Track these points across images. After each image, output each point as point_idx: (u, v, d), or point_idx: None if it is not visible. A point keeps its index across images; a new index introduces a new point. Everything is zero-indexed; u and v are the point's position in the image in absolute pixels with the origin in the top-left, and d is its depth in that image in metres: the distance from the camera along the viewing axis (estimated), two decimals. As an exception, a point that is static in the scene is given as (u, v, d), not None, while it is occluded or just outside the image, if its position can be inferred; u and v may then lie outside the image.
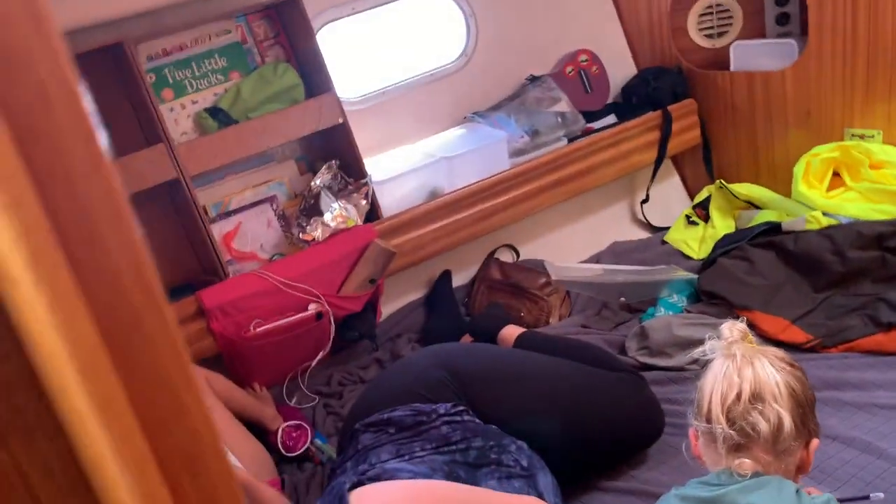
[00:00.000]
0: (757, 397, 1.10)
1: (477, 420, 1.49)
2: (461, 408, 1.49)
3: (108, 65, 1.98)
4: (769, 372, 1.12)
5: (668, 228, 2.69)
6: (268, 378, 2.13)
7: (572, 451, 1.56)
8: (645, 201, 2.75)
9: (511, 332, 2.03)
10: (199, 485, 0.31)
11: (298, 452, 1.92)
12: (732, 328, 1.19)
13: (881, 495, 1.29)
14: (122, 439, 0.28)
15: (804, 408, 1.12)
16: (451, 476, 1.34)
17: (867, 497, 1.30)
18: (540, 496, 1.37)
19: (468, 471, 1.37)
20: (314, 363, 2.14)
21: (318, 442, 1.96)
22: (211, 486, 0.31)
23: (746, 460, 1.10)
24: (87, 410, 0.26)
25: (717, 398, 1.12)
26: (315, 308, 2.05)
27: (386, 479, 1.31)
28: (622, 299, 2.29)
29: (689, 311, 2.12)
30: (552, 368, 1.66)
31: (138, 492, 0.27)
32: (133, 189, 1.87)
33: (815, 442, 1.14)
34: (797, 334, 1.94)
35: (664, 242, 2.63)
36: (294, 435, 1.94)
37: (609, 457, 1.64)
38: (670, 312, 2.14)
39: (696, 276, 2.21)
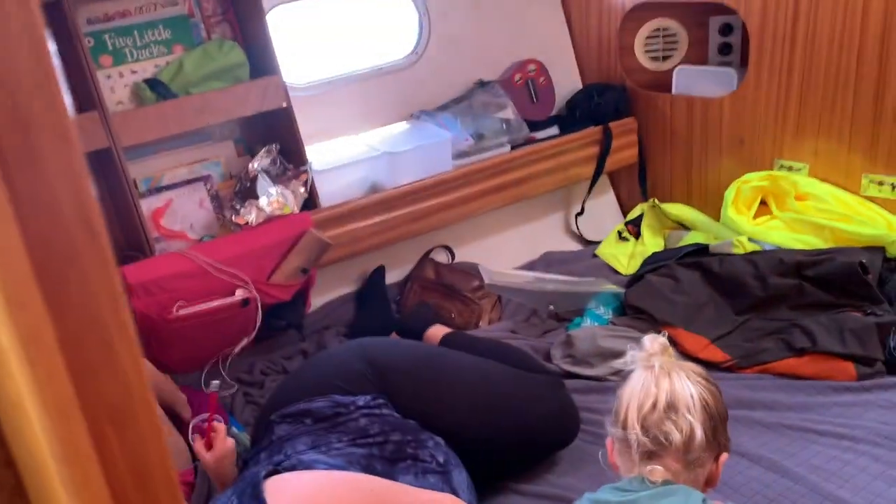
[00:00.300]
0: (671, 407, 1.13)
1: (396, 414, 1.48)
2: (380, 401, 1.48)
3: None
4: (685, 385, 1.15)
5: (599, 242, 2.74)
6: (187, 363, 2.07)
7: (488, 449, 1.56)
8: (580, 214, 2.80)
9: (437, 331, 2.03)
10: (126, 438, 0.29)
11: None
12: (654, 341, 1.22)
13: None
14: (45, 381, 0.26)
15: (716, 421, 1.16)
16: (368, 469, 1.33)
17: None
18: (454, 493, 1.38)
19: (385, 465, 1.36)
20: (237, 350, 2.09)
21: (234, 430, 1.90)
22: (139, 441, 0.29)
23: (658, 468, 1.13)
24: (10, 345, 0.24)
25: (634, 406, 1.16)
26: (242, 294, 2.00)
27: (302, 470, 1.28)
28: (551, 307, 2.33)
29: (614, 324, 2.16)
30: (473, 367, 1.66)
31: (58, 439, 0.25)
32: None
33: (724, 456, 1.18)
34: (715, 353, 2.00)
35: (595, 256, 2.68)
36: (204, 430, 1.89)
37: (524, 456, 1.66)
38: (596, 323, 2.18)
39: (623, 290, 2.26)
